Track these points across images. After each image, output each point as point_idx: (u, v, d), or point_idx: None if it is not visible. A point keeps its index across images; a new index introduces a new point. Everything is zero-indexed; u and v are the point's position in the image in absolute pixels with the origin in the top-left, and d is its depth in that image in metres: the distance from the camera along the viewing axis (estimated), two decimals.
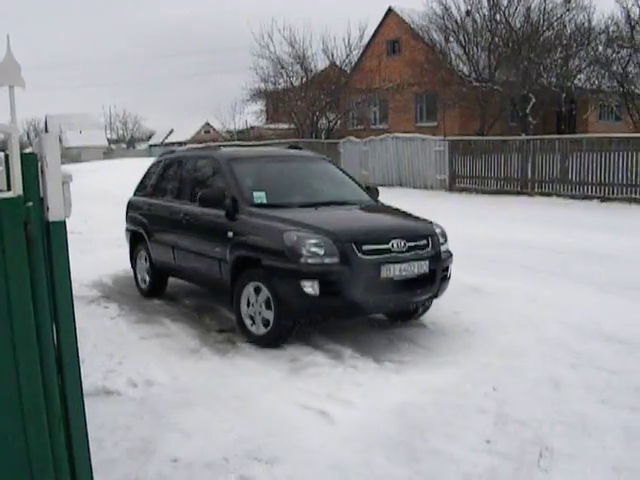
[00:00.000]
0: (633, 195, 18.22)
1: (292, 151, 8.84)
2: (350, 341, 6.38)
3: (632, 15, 26.48)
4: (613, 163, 18.72)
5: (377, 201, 7.81)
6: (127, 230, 9.15)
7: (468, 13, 30.27)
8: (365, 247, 6.09)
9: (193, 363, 5.89)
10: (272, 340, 6.29)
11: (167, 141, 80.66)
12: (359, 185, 8.17)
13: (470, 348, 6.14)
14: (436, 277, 6.54)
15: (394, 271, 6.16)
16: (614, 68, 27.20)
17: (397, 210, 7.49)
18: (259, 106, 40.84)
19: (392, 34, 36.20)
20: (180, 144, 55.07)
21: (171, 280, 8.54)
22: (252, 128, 49.67)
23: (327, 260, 5.99)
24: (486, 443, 4.23)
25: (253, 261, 6.44)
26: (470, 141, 23.16)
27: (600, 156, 19.02)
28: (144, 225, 8.56)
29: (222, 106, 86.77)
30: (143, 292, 8.64)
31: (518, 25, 28.54)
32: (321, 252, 5.99)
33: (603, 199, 18.69)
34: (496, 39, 28.84)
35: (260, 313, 6.34)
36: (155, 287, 8.51)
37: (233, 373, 5.60)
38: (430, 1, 33.47)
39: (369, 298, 6.13)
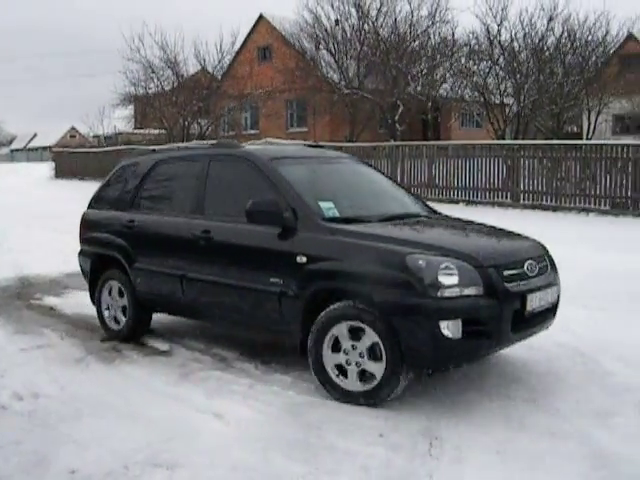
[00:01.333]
0: (495, 199, 19.29)
1: (330, 152, 7.42)
2: (237, 345, 6.40)
3: (491, 31, 27.98)
4: (476, 168, 19.72)
5: (437, 211, 6.54)
6: (85, 254, 7.26)
7: (337, 22, 30.94)
8: (506, 272, 4.89)
9: (79, 372, 5.73)
10: (375, 399, 4.86)
11: (30, 146, 77.48)
12: (406, 191, 6.92)
13: None
14: (558, 305, 5.48)
15: (536, 301, 5.06)
16: (475, 79, 28.61)
17: (482, 224, 6.19)
18: (129, 111, 39.98)
19: (263, 41, 36.50)
20: (45, 149, 52.91)
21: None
22: (120, 133, 48.49)
23: (469, 291, 4.67)
24: (380, 437, 4.39)
25: (347, 294, 4.95)
26: (341, 147, 23.65)
27: (464, 162, 19.98)
28: (121, 248, 6.64)
29: (90, 110, 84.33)
30: (116, 334, 6.76)
31: (386, 35, 29.43)
32: (461, 281, 4.65)
33: (468, 202, 19.64)
34: (365, 48, 29.60)
35: (359, 364, 4.86)
36: (138, 327, 6.73)
37: (122, 381, 5.50)
38: (301, 9, 34.00)
39: (513, 337, 4.98)
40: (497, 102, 28.65)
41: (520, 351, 5.80)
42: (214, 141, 6.79)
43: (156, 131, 36.62)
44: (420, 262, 4.66)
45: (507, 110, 28.51)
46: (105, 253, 6.94)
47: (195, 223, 5.98)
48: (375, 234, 5.14)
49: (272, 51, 36.05)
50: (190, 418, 4.70)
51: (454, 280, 4.61)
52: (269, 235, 5.38)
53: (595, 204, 17.84)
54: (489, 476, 3.86)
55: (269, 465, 4.00)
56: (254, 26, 37.54)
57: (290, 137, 29.26)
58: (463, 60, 29.43)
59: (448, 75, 29.90)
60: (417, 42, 29.79)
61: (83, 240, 7.32)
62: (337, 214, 5.44)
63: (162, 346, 6.47)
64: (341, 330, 4.91)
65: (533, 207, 18.48)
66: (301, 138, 27.53)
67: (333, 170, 6.49)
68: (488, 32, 28.07)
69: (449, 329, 4.53)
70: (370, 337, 4.77)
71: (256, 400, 5.02)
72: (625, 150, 17.44)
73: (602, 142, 19.57)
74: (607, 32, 29.22)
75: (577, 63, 28.13)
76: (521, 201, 18.86)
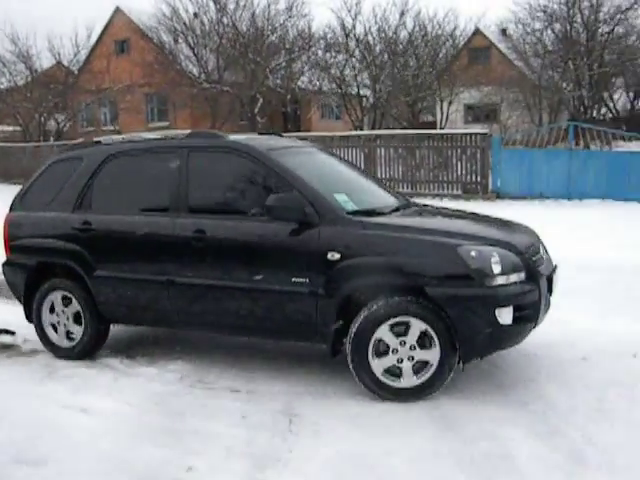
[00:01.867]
0: None
1: (299, 141, 6.87)
2: None
3: (346, 24, 28.80)
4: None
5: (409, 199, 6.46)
6: (15, 265, 6.23)
7: (196, 15, 30.76)
8: (534, 258, 5.08)
9: None
10: (429, 390, 4.82)
11: None
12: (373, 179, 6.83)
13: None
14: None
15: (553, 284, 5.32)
16: (332, 71, 29.36)
17: (473, 212, 6.31)
18: None
19: (120, 34, 35.64)
20: None
21: None
22: None
23: (515, 278, 4.76)
24: (242, 418, 4.62)
25: (394, 290, 4.77)
26: None
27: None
28: (75, 254, 5.81)
29: None
30: (69, 352, 6.01)
31: (244, 29, 29.59)
32: (509, 269, 4.73)
33: None
34: (224, 42, 29.63)
35: (412, 357, 4.76)
36: (97, 342, 6.03)
37: None
38: (159, 2, 33.56)
39: (542, 318, 5.12)
40: (354, 93, 29.52)
41: None
42: (187, 131, 6.04)
43: (10, 128, 35.06)
44: (473, 253, 4.66)
45: (364, 101, 29.44)
46: (49, 261, 6.04)
47: (181, 222, 5.38)
48: (413, 226, 5.08)
49: (130, 45, 35.25)
50: (56, 415, 4.72)
51: (504, 268, 4.68)
52: (285, 232, 5.01)
53: (448, 189, 18.93)
54: (345, 446, 4.16)
55: (135, 453, 4.12)
56: (110, 19, 36.57)
57: (151, 131, 28.81)
58: (320, 53, 30.14)
59: (306, 68, 30.53)
60: (275, 35, 30.18)
61: (11, 248, 6.22)
62: (355, 207, 5.17)
63: (25, 346, 6.42)
64: (384, 331, 4.74)
65: None
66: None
67: (317, 160, 6.13)
68: (343, 26, 28.91)
69: (503, 316, 4.60)
70: (418, 327, 4.70)
71: (121, 393, 5.11)
72: (474, 138, 18.58)
73: (453, 131, 20.66)
74: (456, 27, 30.93)
75: (429, 56, 29.50)
76: None
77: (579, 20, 27.74)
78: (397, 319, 4.71)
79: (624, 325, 6.41)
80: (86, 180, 5.92)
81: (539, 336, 5.65)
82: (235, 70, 29.32)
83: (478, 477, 3.75)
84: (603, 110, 34.11)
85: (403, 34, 28.96)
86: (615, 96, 35.10)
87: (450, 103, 31.27)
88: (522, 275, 4.80)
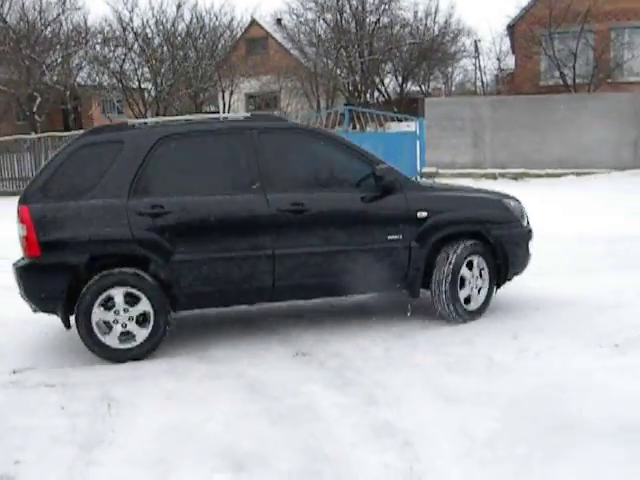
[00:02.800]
0: None
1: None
2: None
3: (123, 18, 28.36)
4: None
5: None
6: (54, 265, 5.47)
7: None
8: None
9: None
10: (481, 308, 6.48)
11: None
12: None
13: None
14: None
15: None
16: (112, 66, 28.82)
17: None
18: None
19: None
20: None
21: None
22: None
23: (526, 222, 6.73)
24: (62, 409, 4.80)
25: (467, 236, 6.29)
26: None
27: None
28: (147, 241, 5.47)
29: None
30: (126, 353, 5.64)
31: (15, 23, 28.19)
32: (526, 216, 6.75)
33: None
34: None
35: (477, 286, 6.39)
36: (162, 337, 5.74)
37: None
38: None
39: None
40: (135, 87, 29.21)
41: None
42: (243, 114, 6.50)
43: None
44: (512, 204, 6.61)
45: (146, 95, 29.21)
46: (108, 253, 5.56)
47: (275, 197, 5.70)
48: (462, 189, 7.34)
49: None
50: None
51: (524, 215, 6.67)
52: (378, 198, 6.02)
53: None
54: (163, 419, 4.51)
55: None
56: None
57: None
58: (98, 47, 29.44)
59: (84, 63, 29.69)
60: (49, 30, 29.03)
61: (44, 246, 5.43)
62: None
63: None
64: (465, 268, 6.23)
65: None
66: None
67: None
68: (121, 19, 28.47)
69: (531, 248, 6.63)
70: (477, 263, 6.32)
71: None
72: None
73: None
74: (233, 18, 31.53)
75: (208, 47, 29.85)
76: None
77: (348, 10, 29.40)
78: (469, 258, 6.21)
79: None
80: (139, 164, 5.58)
81: (327, 302, 6.43)
82: (8, 67, 27.86)
83: (287, 427, 4.30)
84: (376, 94, 36.37)
85: (181, 26, 29.14)
86: (386, 80, 37.57)
87: (232, 93, 31.86)
88: (526, 221, 6.72)
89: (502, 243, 6.35)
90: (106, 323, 5.55)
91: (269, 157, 5.86)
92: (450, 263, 6.10)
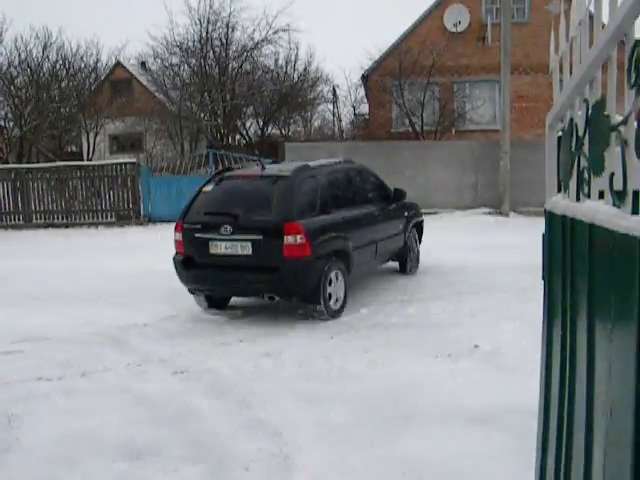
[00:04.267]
0: (8, 221, 19.91)
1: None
2: None
3: None
4: None
5: None
6: (319, 259, 8.24)
7: None
8: None
9: None
10: None
11: None
12: None
13: None
14: None
15: None
16: None
17: None
18: None
19: None
20: None
21: None
22: None
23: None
24: None
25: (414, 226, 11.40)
26: None
27: None
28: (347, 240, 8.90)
29: None
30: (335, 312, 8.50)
31: None
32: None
33: None
34: None
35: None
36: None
37: None
38: None
39: None
40: None
41: None
42: (340, 159, 10.48)
43: None
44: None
45: (9, 134, 28.72)
46: (337, 248, 8.60)
47: (357, 209, 9.58)
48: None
49: None
50: None
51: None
52: (392, 207, 10.62)
53: (103, 218, 19.76)
54: (62, 427, 5.10)
55: None
56: None
57: None
58: None
59: None
60: None
61: (313, 248, 8.10)
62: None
63: None
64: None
65: (46, 226, 19.58)
66: None
67: None
68: None
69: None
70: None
71: None
72: (124, 168, 19.69)
73: (104, 162, 21.50)
74: (98, 59, 31.65)
75: (73, 88, 29.85)
76: (34, 221, 19.78)
77: (212, 56, 30.32)
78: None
79: None
80: (325, 191, 8.89)
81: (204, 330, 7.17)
82: None
83: (174, 427, 5.04)
84: (237, 137, 37.38)
85: (46, 66, 29.00)
86: (247, 124, 38.68)
87: (96, 134, 31.88)
88: None
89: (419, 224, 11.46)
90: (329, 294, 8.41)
91: (359, 183, 10.08)
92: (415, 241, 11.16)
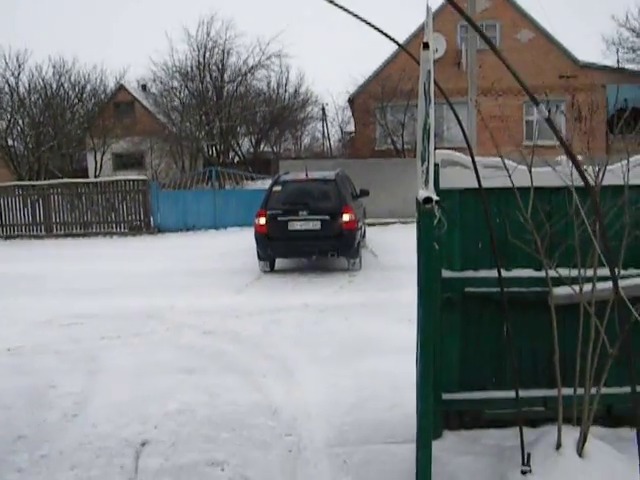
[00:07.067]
0: (31, 232, 22.14)
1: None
2: None
3: (11, 84, 30.59)
4: (10, 207, 22.29)
5: None
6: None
7: None
8: None
9: None
10: None
11: None
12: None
13: None
14: None
15: None
16: None
17: None
18: None
19: None
20: None
21: None
22: None
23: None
24: None
25: None
26: None
27: None
28: None
29: None
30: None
31: None
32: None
33: (7, 237, 22.14)
34: None
35: None
36: None
37: None
38: None
39: None
40: (9, 145, 30.91)
41: None
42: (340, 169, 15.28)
43: None
44: None
45: (27, 155, 30.84)
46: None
47: None
48: None
49: None
50: None
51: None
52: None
53: (116, 228, 22.02)
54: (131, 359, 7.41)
55: None
56: None
57: None
58: None
59: None
60: None
61: (358, 220, 13.20)
62: None
63: None
64: None
65: (65, 236, 21.83)
66: None
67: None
68: (9, 84, 30.54)
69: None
70: None
71: None
72: (135, 184, 22.00)
73: (118, 178, 23.60)
74: (103, 83, 34.17)
75: (82, 110, 32.32)
76: (54, 232, 22.02)
77: (209, 80, 32.73)
78: None
79: None
80: (348, 186, 14.58)
81: None
82: None
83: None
84: (232, 154, 39.74)
85: (61, 92, 31.39)
86: (241, 142, 41.08)
87: (103, 153, 34.17)
88: None
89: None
90: None
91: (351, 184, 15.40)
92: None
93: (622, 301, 3.28)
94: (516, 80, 2.83)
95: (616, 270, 3.82)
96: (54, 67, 31.61)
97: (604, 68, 27.79)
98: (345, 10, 3.82)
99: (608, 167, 3.92)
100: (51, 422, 5.66)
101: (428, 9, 3.63)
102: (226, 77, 33.09)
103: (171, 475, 4.54)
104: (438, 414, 4.60)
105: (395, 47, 27.88)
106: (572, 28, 50.08)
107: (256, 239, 13.07)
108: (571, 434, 3.95)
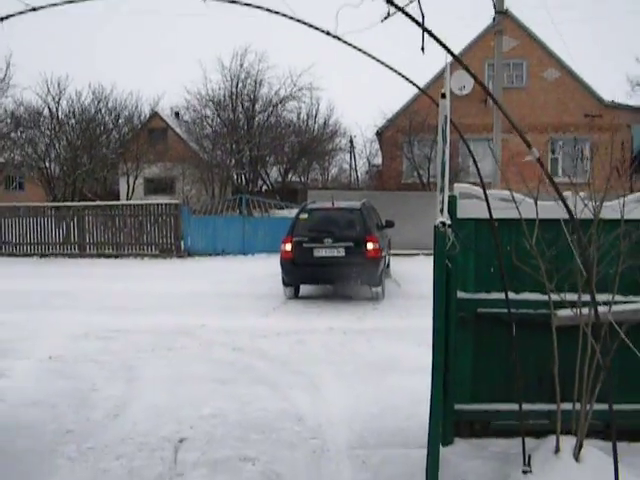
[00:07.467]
0: (65, 251, 22.89)
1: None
2: None
3: (51, 108, 31.80)
4: (46, 226, 23.11)
5: None
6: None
7: None
8: None
9: None
10: None
11: None
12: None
13: None
14: None
15: None
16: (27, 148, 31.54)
17: None
18: None
19: None
20: None
21: None
22: None
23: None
24: None
25: None
26: None
27: (34, 220, 23.21)
28: None
29: None
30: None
31: None
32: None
33: (42, 255, 22.90)
34: None
35: None
36: None
37: None
38: None
39: None
40: (45, 167, 31.90)
41: None
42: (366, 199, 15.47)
43: None
44: None
45: (65, 178, 31.82)
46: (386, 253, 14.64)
47: None
48: None
49: None
50: None
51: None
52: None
53: (147, 250, 22.73)
54: (165, 371, 7.94)
55: None
56: None
57: None
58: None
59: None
60: None
61: (382, 250, 13.48)
62: None
63: None
64: None
65: (98, 256, 22.55)
66: None
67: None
68: (49, 109, 31.59)
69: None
70: None
71: None
72: (168, 207, 22.73)
73: (150, 202, 24.50)
74: (138, 109, 35.17)
75: (119, 136, 33.36)
76: (87, 251, 22.77)
77: (241, 109, 33.63)
78: None
79: None
80: (373, 216, 14.83)
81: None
82: None
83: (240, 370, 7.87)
84: (260, 183, 40.57)
85: (98, 117, 32.46)
86: (269, 171, 41.94)
87: (136, 177, 35.16)
88: None
89: None
90: None
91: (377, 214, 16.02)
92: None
93: (608, 325, 3.73)
94: (508, 120, 3.34)
95: (609, 294, 4.32)
96: (94, 93, 32.76)
97: (629, 108, 28.24)
98: (370, 56, 4.33)
99: (608, 203, 4.42)
100: (95, 420, 6.19)
101: (446, 65, 4.16)
102: (257, 107, 33.98)
103: (208, 466, 5.04)
104: (450, 423, 5.08)
105: (425, 81, 28.67)
106: (598, 68, 50.76)
107: (282, 265, 13.40)
108: (569, 442, 4.40)
